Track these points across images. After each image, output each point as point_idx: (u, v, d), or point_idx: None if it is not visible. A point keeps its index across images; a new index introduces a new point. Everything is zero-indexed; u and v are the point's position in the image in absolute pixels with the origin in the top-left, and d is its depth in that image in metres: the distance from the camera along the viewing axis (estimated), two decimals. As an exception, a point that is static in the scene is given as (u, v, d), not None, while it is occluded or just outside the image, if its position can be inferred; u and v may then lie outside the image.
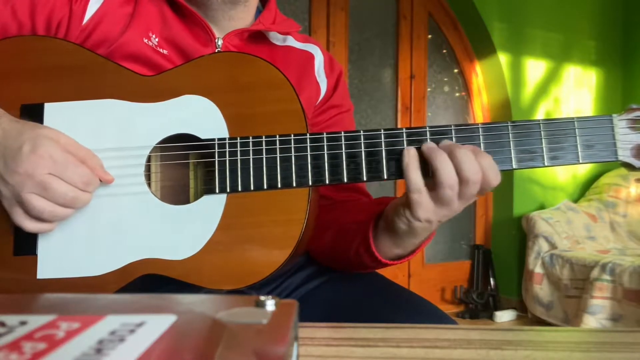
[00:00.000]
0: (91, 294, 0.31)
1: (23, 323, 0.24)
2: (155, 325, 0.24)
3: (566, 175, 3.39)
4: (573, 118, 0.65)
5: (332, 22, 2.99)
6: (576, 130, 0.64)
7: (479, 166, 0.61)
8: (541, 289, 2.90)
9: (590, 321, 2.51)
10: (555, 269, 2.83)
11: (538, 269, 2.93)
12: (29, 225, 0.61)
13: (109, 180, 0.65)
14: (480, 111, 3.42)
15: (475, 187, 0.61)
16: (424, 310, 0.70)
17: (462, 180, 0.61)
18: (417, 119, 3.24)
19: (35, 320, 0.24)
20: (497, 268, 3.32)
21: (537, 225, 2.99)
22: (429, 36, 3.30)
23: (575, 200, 3.37)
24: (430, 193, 0.63)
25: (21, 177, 0.58)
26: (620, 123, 0.65)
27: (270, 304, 0.29)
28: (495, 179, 0.62)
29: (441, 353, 0.44)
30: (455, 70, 3.41)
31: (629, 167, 0.65)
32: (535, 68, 3.33)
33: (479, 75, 3.39)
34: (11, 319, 0.24)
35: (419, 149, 0.64)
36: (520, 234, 3.21)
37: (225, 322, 0.26)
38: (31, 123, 0.62)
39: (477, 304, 3.16)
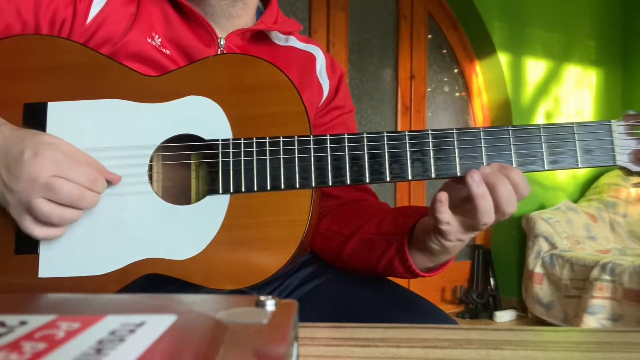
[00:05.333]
0: (91, 294, 0.31)
1: (23, 323, 0.24)
2: (155, 325, 0.24)
3: (566, 175, 3.39)
4: (572, 123, 0.66)
5: (332, 22, 2.99)
6: (575, 135, 0.65)
7: (516, 200, 0.62)
8: (541, 289, 2.90)
9: (590, 321, 2.51)
10: (555, 269, 2.83)
11: (538, 269, 2.93)
12: (39, 231, 0.61)
13: (115, 180, 0.65)
14: (480, 111, 3.42)
15: (508, 216, 0.63)
16: (424, 310, 0.70)
17: (499, 213, 0.62)
18: (417, 119, 3.24)
19: (35, 320, 0.24)
20: (497, 268, 3.31)
21: (537, 225, 2.99)
22: (429, 36, 3.30)
23: (575, 200, 3.37)
24: (460, 219, 0.64)
25: (26, 183, 0.58)
26: (619, 129, 0.66)
27: (270, 304, 0.29)
28: (526, 191, 0.63)
29: (441, 353, 0.44)
30: (455, 70, 3.41)
31: (627, 171, 0.66)
32: (535, 68, 3.33)
33: (479, 75, 3.39)
34: (11, 319, 0.24)
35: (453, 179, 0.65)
36: (520, 234, 3.21)
37: (226, 322, 0.26)
38: (32, 130, 0.62)
39: (477, 304, 3.16)
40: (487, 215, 0.62)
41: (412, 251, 0.70)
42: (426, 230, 0.67)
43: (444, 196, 0.63)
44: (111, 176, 0.64)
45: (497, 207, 0.62)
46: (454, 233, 0.64)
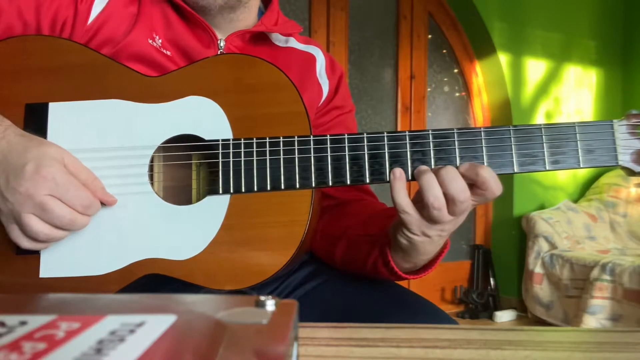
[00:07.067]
0: (91, 294, 0.31)
1: (23, 323, 0.24)
2: (155, 325, 0.24)
3: (566, 175, 3.39)
4: (574, 123, 0.65)
5: (332, 22, 2.99)
6: (577, 135, 0.65)
7: (464, 184, 0.61)
8: (541, 289, 2.90)
9: (590, 321, 2.51)
10: (555, 269, 2.83)
11: (538, 269, 2.93)
12: (25, 243, 0.61)
13: (111, 202, 0.65)
14: (480, 111, 3.42)
15: (464, 205, 0.61)
16: (424, 310, 0.70)
17: (448, 200, 0.61)
18: (417, 119, 3.24)
19: (35, 320, 0.24)
20: (497, 268, 3.31)
21: (537, 225, 2.99)
22: (429, 36, 3.30)
23: (575, 200, 3.37)
24: (420, 211, 0.63)
25: (22, 197, 0.58)
26: (621, 128, 0.65)
27: (270, 304, 0.29)
28: (497, 188, 0.62)
29: (441, 353, 0.44)
30: (455, 70, 3.41)
31: (629, 171, 0.66)
32: (535, 68, 3.33)
33: (479, 75, 3.39)
34: (11, 319, 0.24)
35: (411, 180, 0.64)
36: (520, 234, 3.21)
37: (226, 322, 0.26)
38: (37, 139, 0.62)
39: (477, 304, 3.16)
40: (430, 194, 0.61)
41: (392, 252, 0.70)
42: (396, 225, 0.67)
43: (398, 171, 0.64)
44: (108, 198, 0.64)
45: (445, 191, 0.61)
46: (415, 224, 0.63)
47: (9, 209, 0.59)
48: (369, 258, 0.73)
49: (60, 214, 0.59)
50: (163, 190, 0.71)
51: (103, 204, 0.64)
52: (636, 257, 2.64)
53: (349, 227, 0.78)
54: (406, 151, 0.65)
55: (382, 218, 0.76)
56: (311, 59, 0.89)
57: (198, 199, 0.68)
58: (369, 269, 0.74)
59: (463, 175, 0.62)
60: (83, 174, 0.62)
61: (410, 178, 0.65)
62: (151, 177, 0.68)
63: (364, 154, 0.65)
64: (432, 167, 0.65)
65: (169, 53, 0.76)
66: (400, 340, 0.48)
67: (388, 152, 0.65)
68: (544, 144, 0.65)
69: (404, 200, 0.63)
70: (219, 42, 0.79)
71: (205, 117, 0.67)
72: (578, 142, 0.65)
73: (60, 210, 0.59)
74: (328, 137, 0.66)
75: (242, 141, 0.66)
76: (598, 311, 2.52)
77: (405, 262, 0.70)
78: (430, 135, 0.65)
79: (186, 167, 0.72)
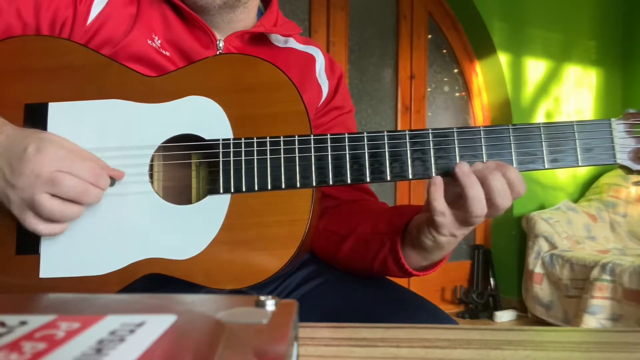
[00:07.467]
0: (91, 294, 0.31)
1: (23, 323, 0.24)
2: (155, 325, 0.24)
3: (566, 175, 3.39)
4: (572, 122, 0.66)
5: (332, 22, 2.99)
6: (575, 133, 0.65)
7: (510, 193, 0.62)
8: (541, 289, 2.90)
9: (590, 321, 2.51)
10: (555, 269, 2.83)
11: (538, 269, 2.93)
12: (43, 228, 0.60)
13: (118, 176, 0.64)
14: (480, 111, 3.42)
15: (502, 211, 0.63)
16: (424, 310, 0.70)
17: (492, 207, 0.62)
18: (417, 119, 3.23)
19: (35, 320, 0.24)
20: (497, 268, 3.31)
21: (537, 225, 2.99)
22: (429, 36, 3.30)
23: (575, 200, 3.37)
24: (455, 212, 0.63)
25: (29, 178, 0.58)
26: (618, 127, 0.66)
27: (270, 304, 0.29)
28: (523, 190, 0.63)
29: (441, 353, 0.44)
30: (455, 70, 3.40)
31: (627, 169, 0.67)
32: (535, 68, 3.33)
33: (479, 75, 3.39)
34: (11, 319, 0.24)
35: (445, 174, 0.64)
36: (520, 234, 3.21)
37: (225, 322, 0.26)
38: (35, 129, 0.62)
39: (477, 304, 3.16)
40: (478, 206, 0.61)
41: (406, 249, 0.70)
42: (420, 225, 0.67)
43: (438, 180, 0.63)
44: (114, 172, 0.64)
45: (490, 200, 0.61)
46: (448, 226, 0.64)
47: (19, 196, 0.59)
48: (378, 255, 0.73)
49: (71, 184, 0.59)
50: (163, 190, 0.71)
51: (105, 201, 0.64)
52: (636, 257, 2.64)
53: (358, 226, 0.78)
54: (406, 150, 0.65)
55: (392, 216, 0.76)
56: (310, 59, 0.89)
57: (198, 199, 0.68)
58: (377, 266, 0.74)
59: None
60: (85, 153, 0.62)
61: (410, 177, 0.65)
62: (151, 177, 0.68)
63: (364, 152, 0.65)
64: (433, 166, 0.65)
65: (168, 54, 0.76)
66: (400, 340, 0.48)
67: (388, 150, 0.65)
68: (543, 143, 0.65)
69: (443, 205, 0.63)
70: (217, 42, 0.79)
71: (205, 117, 0.67)
72: (576, 140, 0.65)
73: (71, 181, 0.59)
74: (328, 136, 0.66)
75: (243, 140, 0.66)
76: (598, 311, 2.52)
77: (424, 261, 0.71)
78: (430, 134, 0.65)
79: (186, 167, 0.72)
